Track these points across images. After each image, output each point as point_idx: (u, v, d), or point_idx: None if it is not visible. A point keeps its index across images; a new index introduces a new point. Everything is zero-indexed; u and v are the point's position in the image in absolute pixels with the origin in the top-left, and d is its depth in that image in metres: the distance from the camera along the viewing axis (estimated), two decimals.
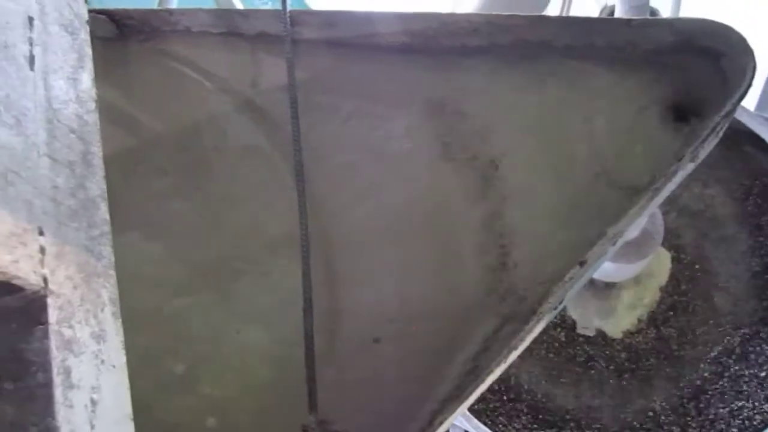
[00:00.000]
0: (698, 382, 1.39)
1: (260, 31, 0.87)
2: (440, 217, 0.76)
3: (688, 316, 1.43)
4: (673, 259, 1.47)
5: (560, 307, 0.65)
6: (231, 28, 0.89)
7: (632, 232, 1.14)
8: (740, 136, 1.52)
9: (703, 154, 0.70)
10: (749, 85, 0.69)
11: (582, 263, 0.64)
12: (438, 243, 0.75)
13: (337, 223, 0.80)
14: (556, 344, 1.45)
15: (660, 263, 1.44)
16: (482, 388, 0.64)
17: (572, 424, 1.43)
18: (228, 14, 0.89)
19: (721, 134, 0.72)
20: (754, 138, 1.48)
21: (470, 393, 0.63)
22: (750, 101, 2.12)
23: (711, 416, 1.36)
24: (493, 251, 0.71)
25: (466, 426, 1.40)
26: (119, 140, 0.85)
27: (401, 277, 0.74)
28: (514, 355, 0.63)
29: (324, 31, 0.86)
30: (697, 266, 1.46)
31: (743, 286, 1.42)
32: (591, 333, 1.45)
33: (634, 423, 1.40)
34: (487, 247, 0.72)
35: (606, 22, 0.79)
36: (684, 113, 0.77)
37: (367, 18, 0.83)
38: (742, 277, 1.42)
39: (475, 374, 0.64)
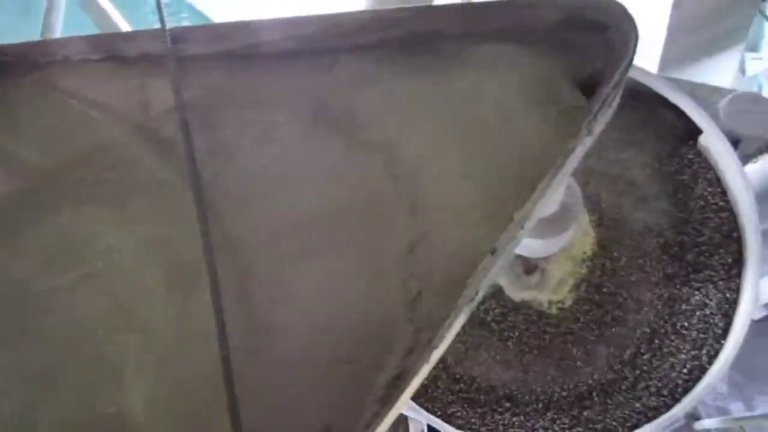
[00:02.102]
0: (638, 341, 1.43)
1: (143, 52, 0.84)
2: (348, 222, 0.74)
3: (619, 278, 1.46)
4: (597, 225, 1.50)
5: (478, 298, 0.65)
6: (112, 53, 0.85)
7: (550, 208, 1.15)
8: (648, 99, 1.56)
9: (598, 127, 0.70)
10: (633, 55, 0.70)
11: (493, 251, 0.63)
12: (350, 247, 0.73)
13: (247, 239, 0.77)
14: (495, 326, 1.46)
15: (583, 231, 1.46)
16: (410, 391, 0.63)
17: (524, 403, 1.45)
18: (107, 38, 0.86)
19: (615, 105, 0.73)
20: (661, 99, 1.53)
21: (398, 397, 0.62)
22: (653, 63, 2.19)
23: (656, 371, 1.40)
24: (406, 251, 0.70)
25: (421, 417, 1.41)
26: (6, 182, 0.81)
27: (319, 289, 0.72)
28: (437, 354, 0.63)
29: (211, 45, 0.83)
30: (620, 229, 1.49)
31: (666, 243, 1.46)
32: (528, 310, 1.46)
33: (584, 391, 1.43)
34: (400, 248, 0.71)
35: (492, 6, 0.78)
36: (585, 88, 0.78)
37: (252, 27, 0.81)
38: (664, 235, 1.46)
39: (402, 379, 0.62)
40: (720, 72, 2.42)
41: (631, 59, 0.70)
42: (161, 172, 0.84)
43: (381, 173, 0.75)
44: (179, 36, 0.82)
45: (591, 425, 1.38)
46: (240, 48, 0.82)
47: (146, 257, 0.80)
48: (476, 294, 0.63)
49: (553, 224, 1.20)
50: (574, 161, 0.69)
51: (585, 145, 0.70)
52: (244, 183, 0.80)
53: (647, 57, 2.04)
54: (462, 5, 0.78)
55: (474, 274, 0.63)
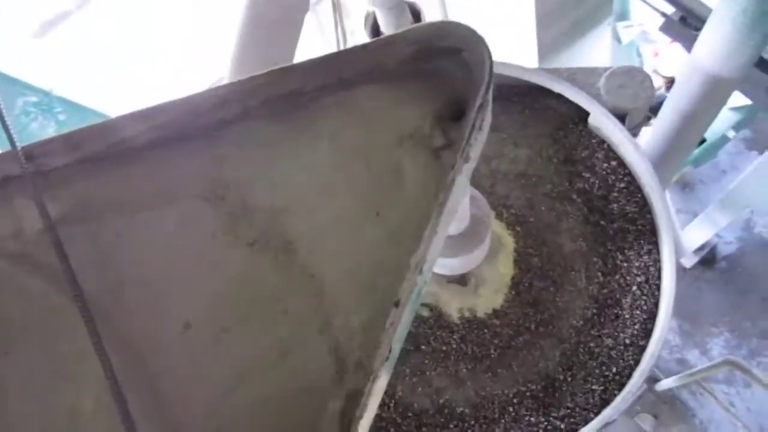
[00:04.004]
0: (578, 330, 1.44)
1: (3, 176, 0.80)
2: (253, 307, 0.72)
3: (546, 275, 1.47)
4: (515, 225, 1.51)
5: (394, 355, 0.63)
6: None
7: (461, 223, 1.15)
8: (533, 93, 1.60)
9: (474, 151, 0.70)
10: (491, 75, 0.70)
11: (396, 304, 0.62)
12: (257, 339, 0.71)
13: (150, 345, 0.74)
14: (443, 350, 1.45)
15: (500, 236, 1.48)
16: None
17: (486, 416, 1.44)
18: None
19: (486, 127, 0.73)
20: (544, 91, 1.56)
21: None
22: (532, 55, 2.25)
23: (597, 361, 1.42)
24: (317, 332, 0.68)
25: None
26: None
27: (234, 383, 0.69)
28: (367, 421, 0.61)
29: (71, 153, 0.79)
30: (537, 225, 1.51)
31: (583, 227, 1.49)
32: (470, 326, 1.46)
33: (530, 389, 1.43)
34: (310, 331, 0.68)
35: (347, 53, 0.78)
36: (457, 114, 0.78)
37: (108, 127, 0.77)
38: (578, 222, 1.49)
39: None
40: (597, 48, 2.51)
41: (489, 80, 0.70)
42: (51, 296, 0.79)
43: (277, 257, 0.73)
44: (35, 152, 0.78)
45: (551, 420, 1.38)
46: (102, 150, 0.79)
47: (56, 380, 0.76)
48: (389, 352, 0.61)
49: (468, 238, 1.20)
50: (458, 192, 0.69)
51: (465, 172, 0.70)
52: (137, 287, 0.77)
53: (524, 50, 2.10)
54: (318, 58, 0.77)
55: (383, 333, 0.61)
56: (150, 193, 0.79)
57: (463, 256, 1.20)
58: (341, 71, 0.77)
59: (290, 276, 0.73)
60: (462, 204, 1.01)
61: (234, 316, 0.74)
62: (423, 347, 1.46)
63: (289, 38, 1.25)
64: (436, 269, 1.27)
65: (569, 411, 1.41)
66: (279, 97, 0.77)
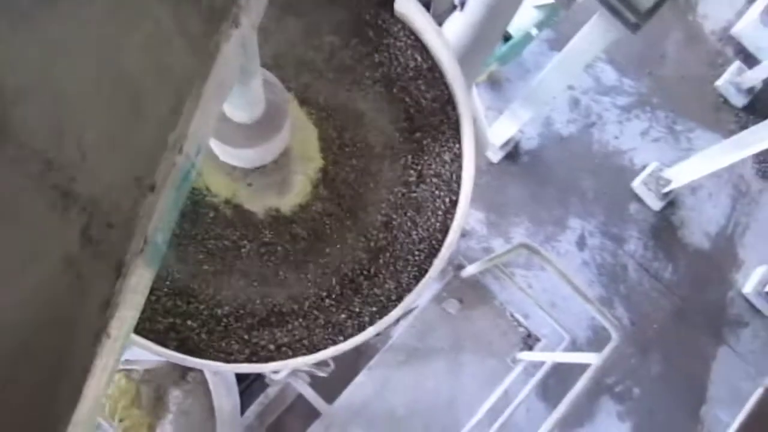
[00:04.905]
0: (381, 224, 1.45)
1: None
2: None
3: (352, 165, 1.45)
4: (318, 114, 1.46)
5: (154, 250, 0.55)
6: None
7: (255, 111, 1.07)
8: None
9: (246, 17, 0.62)
10: None
11: (152, 187, 0.54)
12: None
13: None
14: (246, 248, 1.39)
15: (303, 125, 1.41)
16: (103, 377, 0.53)
17: (293, 312, 1.42)
18: None
19: None
20: None
21: (86, 381, 0.52)
22: None
23: (401, 251, 1.44)
24: (70, 217, 0.58)
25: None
26: None
27: None
28: (121, 325, 0.53)
29: None
30: (342, 115, 1.47)
31: (389, 118, 1.47)
32: (275, 222, 1.41)
33: (336, 283, 1.43)
34: (58, 216, 0.58)
35: None
36: None
37: None
38: (382, 111, 1.46)
39: (87, 367, 0.52)
40: None
41: None
42: None
43: (21, 145, 0.60)
44: None
45: (354, 311, 1.40)
46: None
47: None
48: (145, 243, 0.53)
49: (264, 126, 1.12)
50: (227, 62, 0.61)
51: (235, 39, 0.61)
52: None
53: None
54: None
55: (137, 222, 0.53)
56: None
57: (260, 146, 1.13)
58: None
59: (37, 170, 0.61)
60: (252, 86, 0.92)
61: None
62: (228, 246, 1.40)
63: None
64: (234, 161, 1.19)
65: (374, 299, 1.43)
66: None
